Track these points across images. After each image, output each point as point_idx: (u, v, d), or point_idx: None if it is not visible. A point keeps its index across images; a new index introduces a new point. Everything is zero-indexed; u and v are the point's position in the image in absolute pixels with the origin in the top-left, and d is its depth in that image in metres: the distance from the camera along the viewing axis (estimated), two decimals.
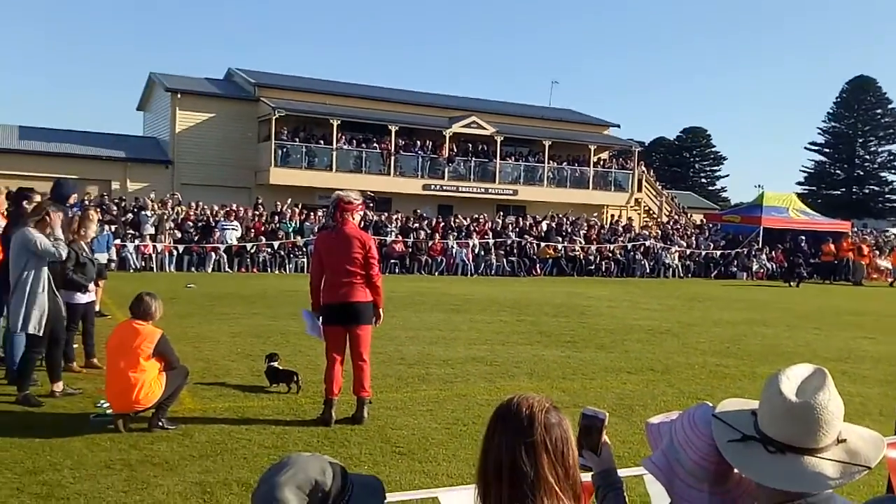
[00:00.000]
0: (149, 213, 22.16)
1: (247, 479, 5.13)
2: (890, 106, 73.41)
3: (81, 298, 8.41)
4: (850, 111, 73.99)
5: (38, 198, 8.21)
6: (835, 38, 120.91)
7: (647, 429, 2.01)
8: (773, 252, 31.08)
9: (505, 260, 26.31)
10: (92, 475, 5.11)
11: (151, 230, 21.81)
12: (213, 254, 22.17)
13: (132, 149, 31.53)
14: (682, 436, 1.85)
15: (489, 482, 1.71)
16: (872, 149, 74.42)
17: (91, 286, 8.61)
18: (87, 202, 19.32)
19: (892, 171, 74.29)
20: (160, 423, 6.14)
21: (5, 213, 8.66)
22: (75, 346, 8.47)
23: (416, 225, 26.41)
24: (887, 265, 32.05)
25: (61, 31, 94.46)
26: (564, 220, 30.08)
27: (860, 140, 73.99)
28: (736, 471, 1.84)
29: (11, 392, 7.01)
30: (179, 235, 22.16)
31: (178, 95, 30.67)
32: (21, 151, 28.71)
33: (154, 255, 21.57)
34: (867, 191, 74.29)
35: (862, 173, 74.19)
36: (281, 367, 7.84)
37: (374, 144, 32.41)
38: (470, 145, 34.31)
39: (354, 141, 32.24)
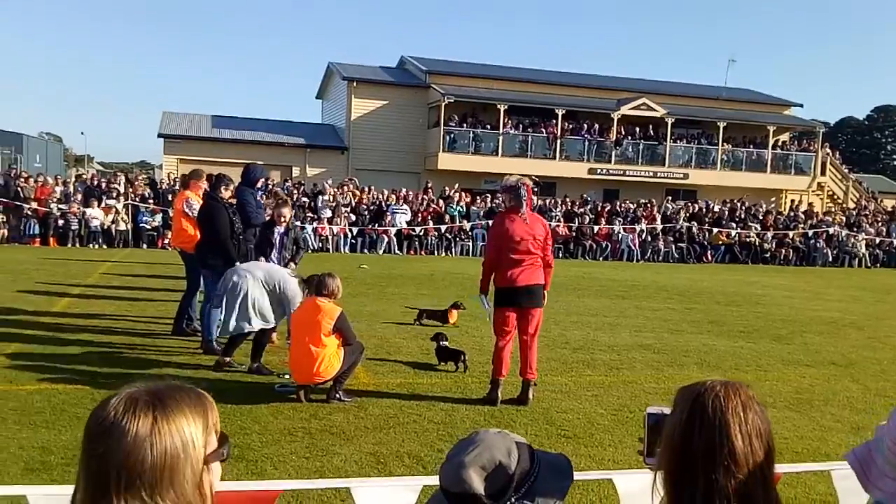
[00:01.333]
0: (327, 197, 23.34)
1: (417, 452, 5.38)
2: None
3: None
4: None
5: (232, 186, 8.89)
6: None
7: (876, 430, 1.95)
8: None
9: (674, 246, 25.51)
10: (276, 440, 5.53)
11: (328, 213, 22.96)
12: (384, 237, 23.03)
13: (311, 135, 33.29)
14: (885, 428, 1.83)
15: (696, 467, 1.64)
16: None
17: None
18: (271, 185, 20.63)
19: None
20: (338, 396, 6.52)
21: (202, 195, 9.44)
22: None
23: (581, 210, 26.11)
24: None
25: (248, 29, 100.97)
26: (739, 205, 28.69)
27: None
28: None
29: (208, 361, 7.67)
30: (354, 219, 23.20)
31: (354, 84, 31.98)
32: (214, 139, 31.10)
33: (330, 237, 22.72)
34: None
35: None
36: (450, 347, 8.11)
37: (541, 128, 32.31)
38: (638, 128, 33.42)
39: (521, 125, 32.30)
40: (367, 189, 25.37)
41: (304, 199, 23.65)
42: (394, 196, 24.58)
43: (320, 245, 22.49)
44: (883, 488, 1.81)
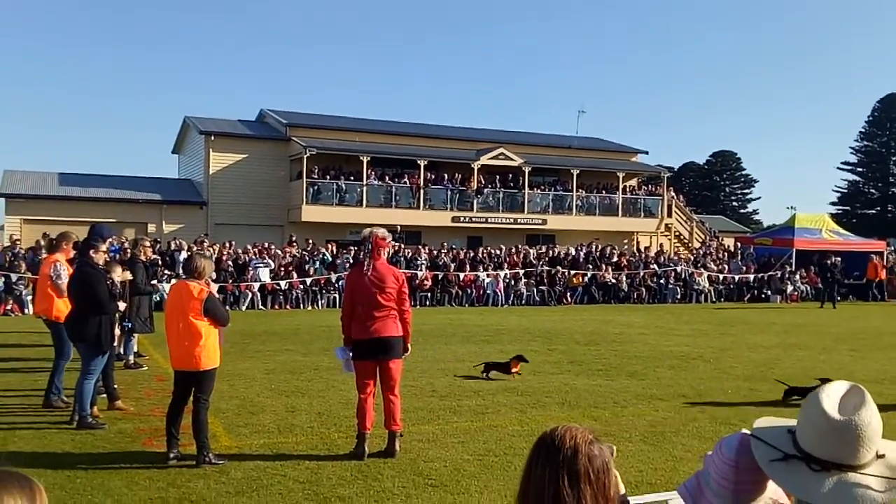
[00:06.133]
0: (184, 253, 22.58)
1: None
2: None
3: None
4: (883, 129, 73.06)
5: (104, 246, 8.40)
6: (863, 57, 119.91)
7: (703, 460, 2.07)
8: (808, 274, 30.71)
9: (535, 289, 26.31)
10: None
11: None
12: (247, 292, 22.48)
13: (168, 191, 32.24)
14: (711, 460, 1.95)
15: None
16: None
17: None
18: (125, 245, 19.75)
19: None
20: (208, 458, 6.32)
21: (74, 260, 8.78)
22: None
23: (446, 257, 26.53)
24: None
25: (97, 79, 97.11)
26: (594, 247, 30.03)
27: (894, 158, 72.97)
28: (765, 496, 1.91)
29: (67, 436, 7.19)
30: (214, 275, 22.54)
31: (212, 138, 31.37)
32: (61, 197, 29.51)
33: None
34: None
35: None
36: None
37: (404, 179, 32.77)
38: (498, 177, 34.51)
39: (384, 176, 32.63)
40: (227, 244, 24.77)
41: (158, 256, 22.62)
42: (256, 250, 24.11)
43: None
44: None
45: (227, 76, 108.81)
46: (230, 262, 23.25)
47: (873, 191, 74.04)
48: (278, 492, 5.74)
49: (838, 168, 76.59)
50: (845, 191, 75.51)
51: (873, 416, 1.66)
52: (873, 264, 30.12)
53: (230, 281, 22.51)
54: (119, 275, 8.97)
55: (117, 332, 8.96)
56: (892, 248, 36.08)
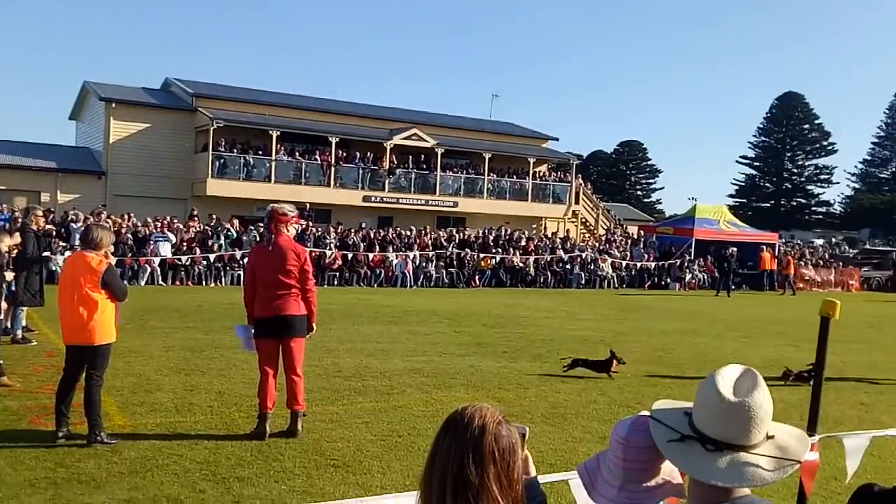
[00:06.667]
0: (79, 225, 21.57)
1: (177, 495, 5.10)
2: (817, 121, 76.31)
3: None
4: (779, 126, 76.60)
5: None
6: (765, 55, 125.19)
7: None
8: (705, 263, 31.92)
9: (444, 271, 26.42)
10: (15, 495, 5.00)
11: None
12: (146, 266, 21.72)
13: (64, 159, 30.71)
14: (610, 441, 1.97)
15: (432, 488, 1.72)
16: (800, 162, 77.14)
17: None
18: (16, 214, 18.75)
19: (819, 184, 77.12)
20: (99, 437, 6.06)
21: None
22: None
23: (356, 237, 26.31)
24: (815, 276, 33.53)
25: None
26: (503, 231, 30.38)
27: (788, 154, 76.61)
28: (658, 477, 1.94)
29: None
30: (112, 248, 21.63)
31: (113, 105, 30.01)
32: None
33: None
34: (794, 203, 76.93)
35: (790, 186, 76.82)
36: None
37: (315, 156, 32.24)
38: (410, 157, 34.41)
39: (294, 152, 32.02)
40: (125, 216, 23.83)
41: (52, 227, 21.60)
42: (157, 224, 23.30)
43: None
44: (605, 495, 1.94)
45: (131, 40, 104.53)
46: (129, 236, 22.37)
47: (768, 185, 77.63)
48: (174, 472, 5.57)
49: (737, 162, 79.84)
50: (743, 184, 78.89)
51: (765, 399, 1.71)
52: (764, 256, 31.54)
53: (129, 255, 21.68)
54: (6, 244, 8.51)
55: (3, 305, 8.52)
56: (783, 241, 37.91)
